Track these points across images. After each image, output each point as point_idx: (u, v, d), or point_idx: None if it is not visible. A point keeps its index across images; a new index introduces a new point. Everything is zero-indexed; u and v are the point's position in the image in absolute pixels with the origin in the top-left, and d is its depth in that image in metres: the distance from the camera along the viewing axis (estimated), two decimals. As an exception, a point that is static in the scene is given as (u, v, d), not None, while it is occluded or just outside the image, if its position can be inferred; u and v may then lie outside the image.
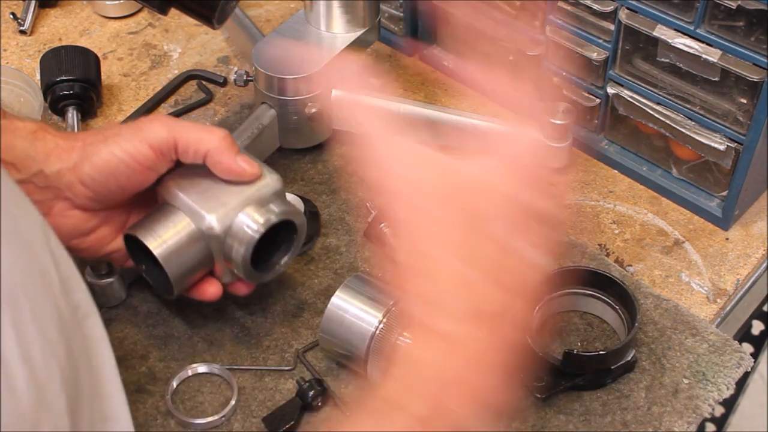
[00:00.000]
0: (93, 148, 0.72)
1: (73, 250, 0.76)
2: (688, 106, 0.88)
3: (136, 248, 0.76)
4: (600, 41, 0.90)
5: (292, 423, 0.75)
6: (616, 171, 0.97)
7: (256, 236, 0.74)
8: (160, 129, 0.73)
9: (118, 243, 0.78)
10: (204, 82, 1.07)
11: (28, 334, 0.45)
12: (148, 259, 0.75)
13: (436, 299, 0.57)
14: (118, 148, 0.72)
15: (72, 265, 0.51)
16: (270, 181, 0.76)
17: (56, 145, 0.73)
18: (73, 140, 0.74)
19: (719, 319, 0.85)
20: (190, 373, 0.80)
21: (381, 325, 0.73)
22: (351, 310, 0.75)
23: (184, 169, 0.76)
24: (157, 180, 0.76)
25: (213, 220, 0.74)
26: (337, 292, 0.76)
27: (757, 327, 1.24)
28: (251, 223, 0.74)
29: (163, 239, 0.74)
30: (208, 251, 0.75)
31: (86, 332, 0.52)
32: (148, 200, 0.77)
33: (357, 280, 0.77)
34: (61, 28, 1.15)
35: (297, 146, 0.97)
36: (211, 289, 0.78)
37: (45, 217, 0.73)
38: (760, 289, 0.92)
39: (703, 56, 0.83)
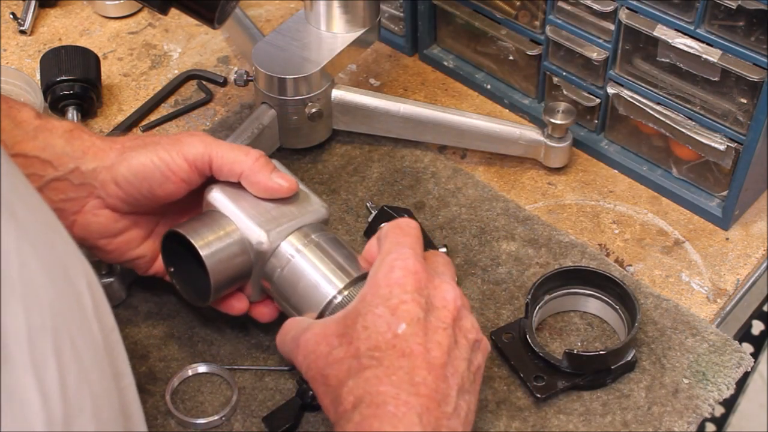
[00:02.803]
0: (132, 152, 0.74)
1: (99, 251, 0.78)
2: (688, 106, 0.88)
3: (172, 250, 0.76)
4: (600, 41, 0.90)
5: (292, 423, 0.75)
6: (616, 171, 0.97)
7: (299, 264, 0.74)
8: (198, 144, 0.74)
9: (143, 249, 0.79)
10: (204, 82, 1.07)
11: (66, 364, 0.46)
12: (185, 263, 0.76)
13: None
14: (155, 155, 0.74)
15: (101, 288, 0.52)
16: (319, 208, 0.76)
17: (93, 143, 0.75)
18: (111, 142, 0.76)
19: (719, 319, 0.85)
20: (190, 373, 0.80)
21: (340, 297, 0.71)
22: (310, 273, 0.73)
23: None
24: (203, 186, 0.76)
25: (264, 236, 0.73)
26: (303, 250, 0.74)
27: (757, 327, 1.24)
28: (294, 252, 0.74)
29: (209, 241, 0.73)
30: (249, 265, 0.74)
31: (116, 354, 0.53)
32: (177, 211, 0.79)
33: (328, 242, 0.75)
34: (61, 28, 1.15)
35: (297, 146, 0.97)
36: (238, 305, 0.78)
37: (77, 215, 0.75)
38: (760, 289, 0.92)
39: (703, 56, 0.83)
